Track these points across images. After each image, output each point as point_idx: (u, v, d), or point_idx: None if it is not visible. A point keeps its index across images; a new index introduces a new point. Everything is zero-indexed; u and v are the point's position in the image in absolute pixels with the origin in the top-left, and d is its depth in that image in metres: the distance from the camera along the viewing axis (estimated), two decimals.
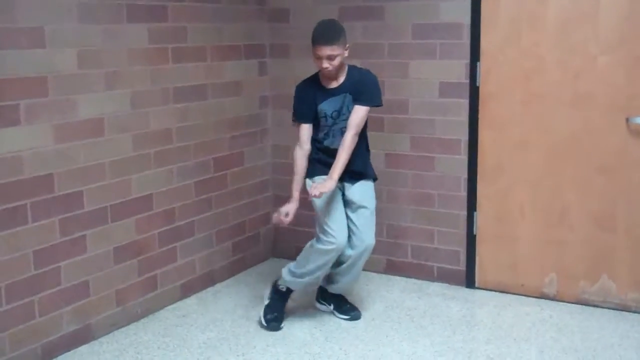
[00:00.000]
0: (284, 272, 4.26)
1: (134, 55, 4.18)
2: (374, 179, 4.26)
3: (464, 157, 4.73)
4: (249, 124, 5.17)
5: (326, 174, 4.00)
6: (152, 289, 4.45)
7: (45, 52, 3.66)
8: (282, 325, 4.25)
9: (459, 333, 4.16)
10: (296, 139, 4.14)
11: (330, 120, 4.05)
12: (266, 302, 4.32)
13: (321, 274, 4.16)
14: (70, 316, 3.92)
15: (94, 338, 4.07)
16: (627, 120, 4.24)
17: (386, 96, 4.86)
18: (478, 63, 4.59)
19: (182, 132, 4.56)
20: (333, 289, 4.37)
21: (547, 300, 4.60)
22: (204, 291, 4.84)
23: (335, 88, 4.04)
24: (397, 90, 4.83)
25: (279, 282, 4.31)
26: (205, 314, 4.48)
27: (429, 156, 4.83)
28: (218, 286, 4.94)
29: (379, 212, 4.89)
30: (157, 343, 4.06)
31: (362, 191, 4.16)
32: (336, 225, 4.03)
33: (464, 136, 4.71)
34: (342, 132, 4.03)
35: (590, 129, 4.35)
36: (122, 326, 4.24)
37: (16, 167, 3.57)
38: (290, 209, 4.04)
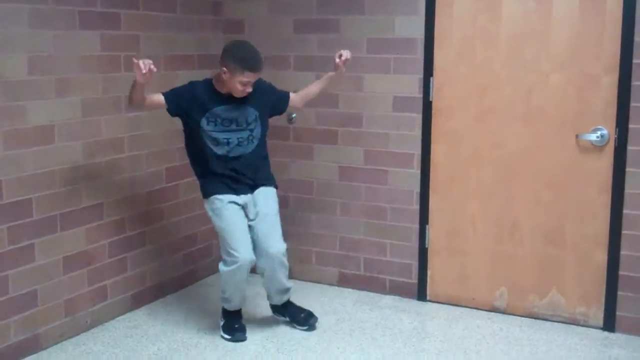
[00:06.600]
0: (220, 299, 4.26)
1: (86, 63, 4.13)
2: (275, 186, 4.28)
3: (416, 171, 4.76)
4: None
5: (230, 192, 4.03)
6: (101, 300, 4.38)
7: None
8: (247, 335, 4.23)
9: (410, 345, 4.18)
10: None
11: (219, 127, 3.99)
12: (222, 322, 4.28)
13: (241, 293, 4.16)
14: (18, 326, 3.84)
15: (42, 348, 3.99)
16: (577, 136, 4.32)
17: (340, 109, 4.91)
18: (431, 78, 4.63)
19: (134, 141, 4.51)
20: (273, 300, 4.36)
21: (497, 314, 4.65)
22: (154, 302, 4.78)
23: (234, 97, 3.99)
24: (351, 104, 4.86)
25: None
26: (155, 325, 4.42)
27: (383, 169, 4.85)
28: (169, 298, 4.89)
29: (333, 224, 4.93)
30: (106, 354, 4.00)
31: (263, 197, 4.16)
32: (237, 242, 4.00)
33: (416, 150, 4.74)
34: (241, 143, 4.03)
35: (541, 144, 4.42)
36: (71, 336, 4.17)
37: None
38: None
